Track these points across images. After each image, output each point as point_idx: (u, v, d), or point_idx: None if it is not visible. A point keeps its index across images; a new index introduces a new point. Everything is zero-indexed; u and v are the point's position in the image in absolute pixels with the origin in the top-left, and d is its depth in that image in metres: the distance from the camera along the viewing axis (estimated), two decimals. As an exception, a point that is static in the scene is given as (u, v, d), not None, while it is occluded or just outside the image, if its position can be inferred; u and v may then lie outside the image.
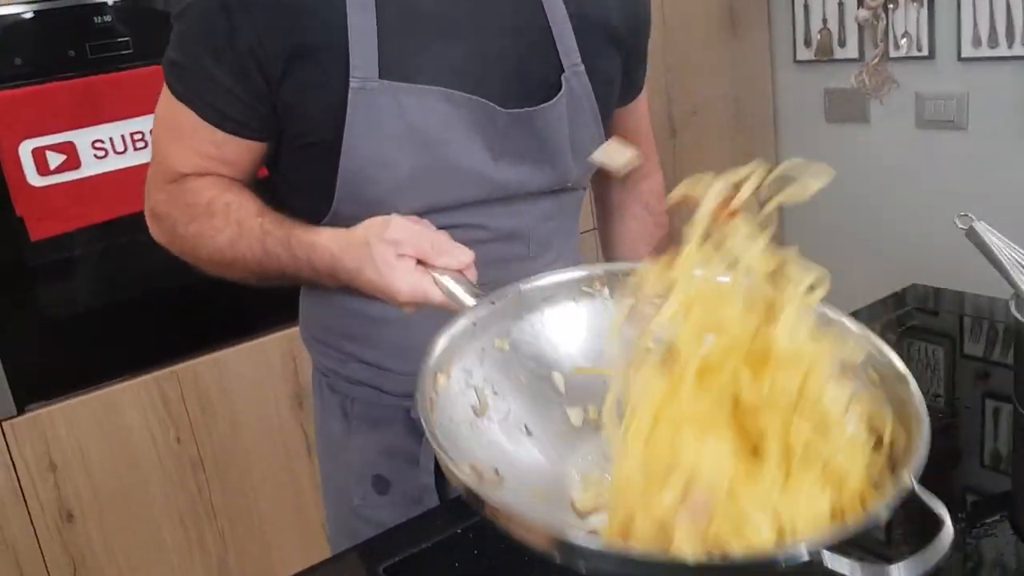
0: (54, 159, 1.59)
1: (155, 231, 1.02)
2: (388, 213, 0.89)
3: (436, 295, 0.80)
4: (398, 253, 0.81)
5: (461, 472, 0.60)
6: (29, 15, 1.60)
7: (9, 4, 1.58)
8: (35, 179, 1.59)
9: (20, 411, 1.67)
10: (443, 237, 0.83)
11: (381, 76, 0.90)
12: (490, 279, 0.95)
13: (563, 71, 0.99)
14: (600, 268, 0.82)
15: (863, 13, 2.41)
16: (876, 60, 2.44)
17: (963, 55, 2.27)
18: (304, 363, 1.88)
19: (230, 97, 0.91)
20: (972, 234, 1.09)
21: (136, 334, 1.78)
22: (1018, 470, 0.97)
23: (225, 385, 1.87)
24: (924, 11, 2.31)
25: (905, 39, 2.37)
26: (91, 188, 1.64)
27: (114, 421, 1.76)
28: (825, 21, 2.56)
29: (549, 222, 1.07)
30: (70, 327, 1.72)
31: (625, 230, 1.23)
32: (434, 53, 0.93)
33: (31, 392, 1.68)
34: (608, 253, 1.26)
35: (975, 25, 2.22)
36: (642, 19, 1.10)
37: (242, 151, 0.96)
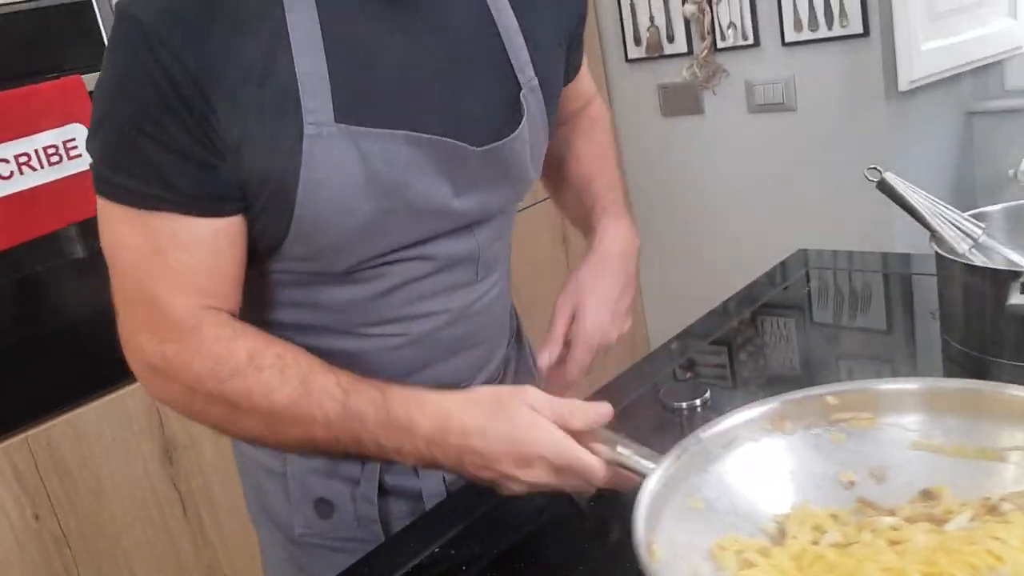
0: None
1: (160, 387, 0.87)
2: (342, 257, 0.89)
3: (583, 454, 0.78)
4: (536, 411, 0.79)
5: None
6: None
7: None
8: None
9: None
10: (576, 402, 0.81)
11: (337, 120, 0.82)
12: (428, 311, 0.96)
13: (520, 89, 0.94)
14: (776, 402, 0.79)
15: (689, 8, 2.49)
16: (705, 52, 2.52)
17: (787, 40, 2.38)
18: (171, 412, 1.71)
19: (197, 175, 0.80)
20: (883, 184, 1.12)
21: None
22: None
23: (84, 449, 1.67)
24: (747, 1, 2.41)
25: (731, 29, 2.47)
26: (34, 205, 1.46)
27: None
28: (652, 19, 2.63)
29: (498, 242, 1.02)
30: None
31: (576, 147, 1.19)
32: (393, 93, 0.86)
33: None
34: (562, 175, 1.21)
35: (795, 11, 2.33)
36: (583, 6, 1.07)
37: (229, 241, 0.83)
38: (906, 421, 0.79)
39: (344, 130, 0.82)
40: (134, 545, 1.74)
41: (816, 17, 2.30)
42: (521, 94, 0.94)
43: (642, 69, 2.71)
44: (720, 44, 2.51)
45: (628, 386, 1.16)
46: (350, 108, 0.83)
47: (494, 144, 0.91)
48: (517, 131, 0.93)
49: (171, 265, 0.82)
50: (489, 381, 1.08)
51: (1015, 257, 1.07)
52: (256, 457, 1.04)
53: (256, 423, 0.83)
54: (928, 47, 2.14)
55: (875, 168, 1.11)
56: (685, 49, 2.58)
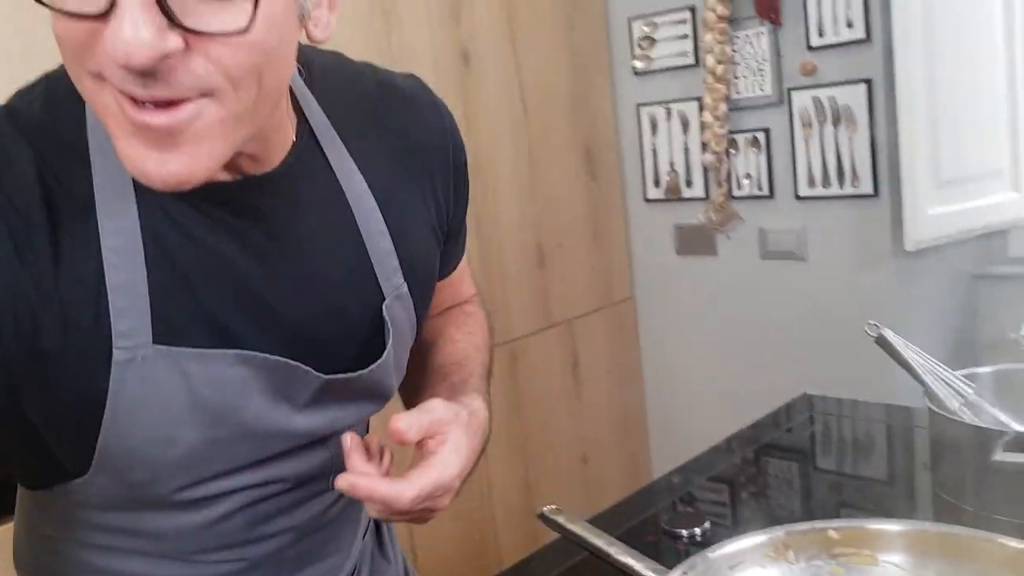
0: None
1: None
2: (165, 489, 0.78)
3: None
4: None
5: None
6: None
7: None
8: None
9: None
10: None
11: (155, 342, 0.71)
12: (272, 531, 0.86)
13: (384, 299, 0.86)
14: (781, 531, 0.86)
15: (708, 157, 2.65)
16: (721, 199, 2.67)
17: (800, 194, 2.52)
18: None
19: None
20: (881, 340, 1.21)
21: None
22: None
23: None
24: (763, 156, 2.57)
25: (747, 180, 2.62)
26: None
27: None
28: (672, 164, 2.79)
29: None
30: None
31: (449, 339, 1.03)
32: (225, 310, 0.75)
33: None
34: (425, 359, 1.01)
35: (809, 167, 2.49)
36: (461, 181, 0.96)
37: None
38: (900, 560, 0.86)
39: (164, 351, 0.72)
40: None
41: (828, 175, 2.45)
42: (384, 305, 0.85)
43: (660, 209, 2.86)
44: (736, 192, 2.65)
45: (629, 512, 1.22)
46: (171, 328, 0.72)
47: (343, 376, 0.82)
48: (380, 360, 0.85)
49: None
50: None
51: (1002, 417, 1.16)
52: None
53: None
54: (935, 212, 2.27)
55: (874, 324, 1.20)
56: (702, 194, 2.73)
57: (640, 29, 2.78)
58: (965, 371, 1.20)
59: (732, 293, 2.74)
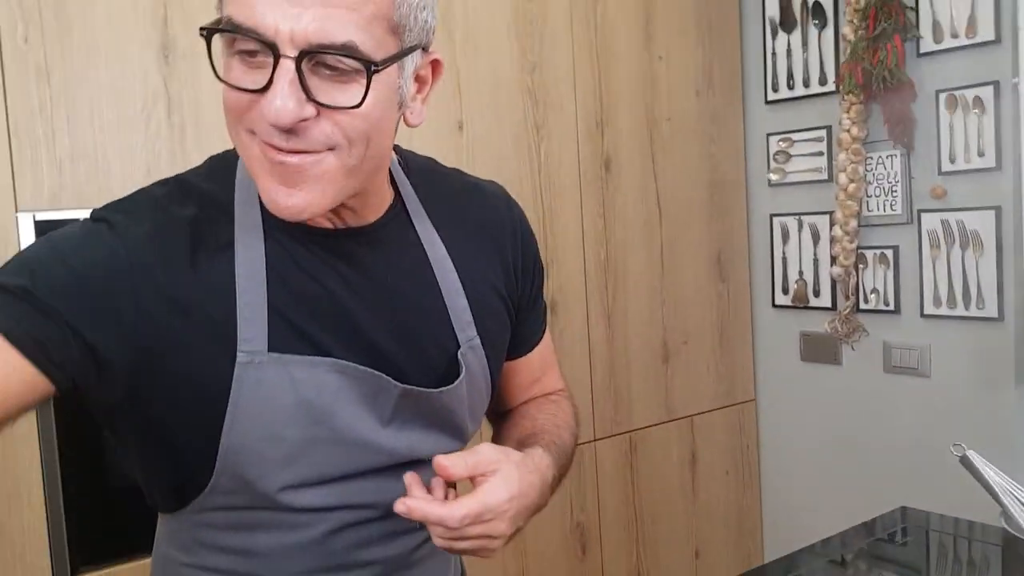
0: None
1: None
2: (267, 491, 0.91)
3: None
4: None
5: None
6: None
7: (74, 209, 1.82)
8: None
9: (75, 572, 1.75)
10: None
11: (271, 350, 0.88)
12: (365, 559, 0.98)
13: (459, 347, 1.00)
14: None
15: (836, 270, 2.75)
16: (847, 311, 2.76)
17: (925, 312, 2.59)
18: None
19: (56, 332, 0.82)
20: (965, 461, 1.31)
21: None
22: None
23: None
24: (890, 272, 2.66)
25: (874, 295, 2.70)
26: None
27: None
28: (801, 273, 2.90)
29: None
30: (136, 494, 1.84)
31: (525, 414, 1.16)
32: (324, 326, 0.92)
33: (87, 555, 1.77)
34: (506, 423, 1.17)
35: (935, 287, 2.55)
36: (534, 271, 1.12)
37: (24, 382, 0.81)
38: None
39: (276, 358, 0.88)
40: None
41: (954, 295, 2.51)
42: (459, 352, 0.99)
43: (787, 316, 2.97)
44: (862, 305, 2.74)
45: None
46: (280, 338, 0.89)
47: (422, 389, 0.96)
48: (453, 385, 0.98)
49: None
50: None
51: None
52: None
53: None
54: (1058, 340, 2.30)
55: (960, 444, 1.31)
56: (829, 304, 2.83)
57: (777, 144, 2.94)
58: (1047, 499, 1.28)
59: (854, 403, 2.80)
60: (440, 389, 0.98)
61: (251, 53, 0.81)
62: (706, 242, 2.93)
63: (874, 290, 2.70)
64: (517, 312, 1.11)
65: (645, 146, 2.75)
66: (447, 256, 1.02)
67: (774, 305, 3.01)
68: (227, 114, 0.85)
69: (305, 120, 0.80)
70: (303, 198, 0.83)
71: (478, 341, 1.02)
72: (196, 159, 1.65)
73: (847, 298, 2.76)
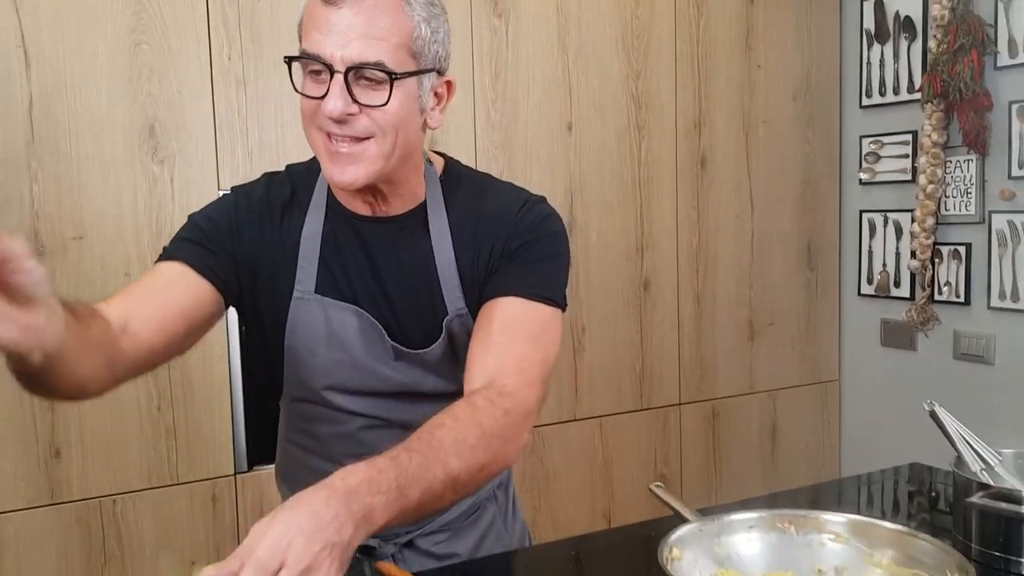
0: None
1: None
2: (315, 388, 1.29)
3: None
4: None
5: None
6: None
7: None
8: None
9: (250, 468, 2.29)
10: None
11: (316, 292, 1.27)
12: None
13: (447, 315, 1.29)
14: (790, 512, 1.33)
15: (914, 263, 3.01)
16: (923, 301, 3.01)
17: (992, 304, 2.82)
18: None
19: (211, 258, 1.23)
20: (933, 415, 1.63)
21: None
22: None
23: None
24: (962, 267, 2.90)
25: (947, 287, 2.95)
26: None
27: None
28: (884, 265, 3.17)
29: (431, 406, 1.22)
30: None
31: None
32: (350, 283, 1.28)
33: (260, 455, 2.31)
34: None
35: (1002, 282, 2.79)
36: (520, 239, 1.29)
37: (190, 288, 1.21)
38: (862, 544, 1.31)
39: (318, 300, 1.26)
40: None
41: (1018, 291, 2.74)
42: (445, 320, 1.29)
43: (870, 303, 3.24)
44: (937, 296, 2.99)
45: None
46: (324, 286, 1.27)
47: (408, 349, 1.28)
48: (430, 348, 1.29)
49: (133, 286, 1.20)
50: (455, 521, 1.40)
51: (1014, 482, 1.54)
52: None
53: None
54: (1108, 334, 2.51)
55: (930, 401, 1.63)
56: (907, 294, 3.09)
57: (868, 146, 3.21)
58: (999, 449, 1.59)
59: (926, 386, 3.05)
60: (418, 351, 1.30)
61: (317, 72, 1.16)
62: (796, 234, 3.23)
63: (947, 283, 2.95)
64: (491, 274, 1.30)
65: (740, 146, 3.08)
66: (451, 246, 1.29)
67: (859, 294, 3.28)
68: (302, 117, 1.21)
69: (351, 114, 1.15)
70: (352, 173, 1.18)
71: (467, 311, 1.30)
72: None
73: (923, 289, 3.01)
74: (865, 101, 3.22)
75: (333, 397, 1.31)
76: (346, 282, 1.29)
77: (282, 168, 1.38)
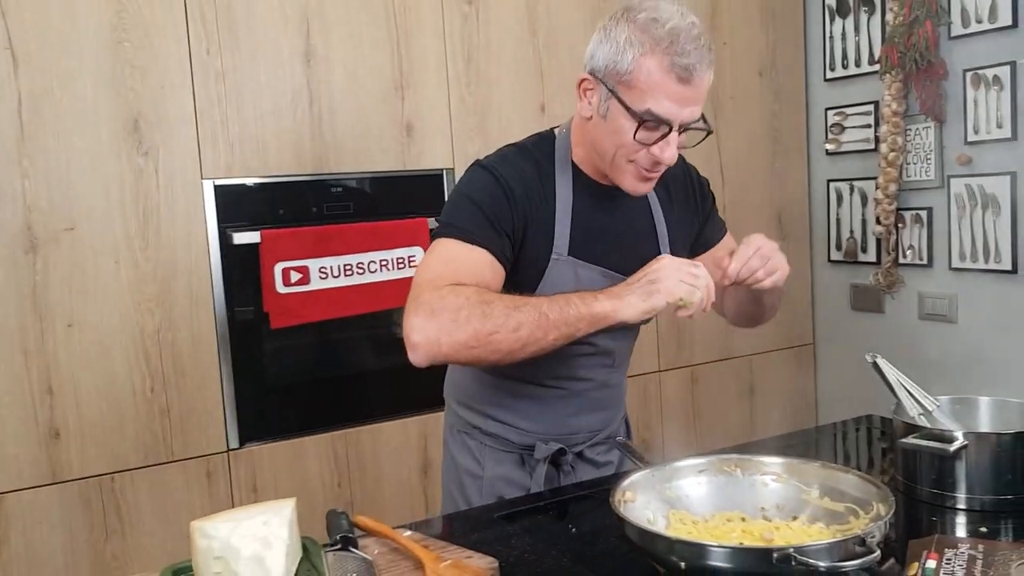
0: (294, 276, 2.40)
1: (425, 326, 1.33)
2: None
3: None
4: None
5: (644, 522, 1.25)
6: (292, 180, 2.45)
7: (279, 176, 2.44)
8: (281, 288, 2.39)
9: (241, 445, 2.41)
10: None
11: (569, 254, 1.52)
12: (584, 376, 1.62)
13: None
14: (735, 456, 1.42)
15: (879, 228, 3.12)
16: (888, 265, 3.12)
17: (953, 265, 2.93)
18: (433, 440, 2.57)
19: (503, 243, 1.46)
20: (876, 366, 1.74)
21: (325, 402, 2.53)
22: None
23: (377, 449, 2.58)
24: (924, 231, 3.01)
25: (910, 250, 3.06)
26: (315, 298, 2.43)
27: (301, 464, 2.48)
28: (852, 232, 3.28)
29: (627, 346, 1.72)
30: (285, 392, 2.48)
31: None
32: (597, 244, 1.54)
33: (250, 433, 2.42)
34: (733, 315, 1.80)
35: (961, 243, 2.89)
36: (704, 204, 1.73)
37: (499, 278, 1.46)
38: (800, 483, 1.42)
39: (571, 260, 1.52)
40: (389, 525, 2.60)
41: (976, 251, 2.85)
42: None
43: (839, 269, 3.35)
44: (901, 260, 3.10)
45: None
46: (575, 248, 1.52)
47: None
48: None
49: (462, 267, 1.41)
50: (609, 436, 1.73)
51: (946, 424, 1.65)
52: (463, 463, 1.71)
53: (502, 313, 1.32)
54: (1060, 290, 2.62)
55: (873, 353, 1.74)
56: (874, 259, 3.20)
57: (833, 118, 3.31)
58: (937, 396, 1.69)
59: (894, 346, 3.16)
60: None
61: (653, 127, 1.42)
62: (767, 205, 3.34)
63: (911, 246, 3.06)
64: (700, 226, 1.71)
65: (710, 121, 3.16)
66: (659, 203, 1.63)
67: (829, 260, 3.39)
68: (619, 147, 1.44)
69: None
70: (649, 187, 1.51)
71: (670, 254, 1.58)
72: (331, 138, 2.37)
73: (888, 253, 3.12)
74: (829, 74, 3.32)
75: None
76: (593, 244, 1.54)
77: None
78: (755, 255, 1.50)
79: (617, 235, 1.57)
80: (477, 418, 1.70)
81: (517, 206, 1.48)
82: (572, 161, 1.56)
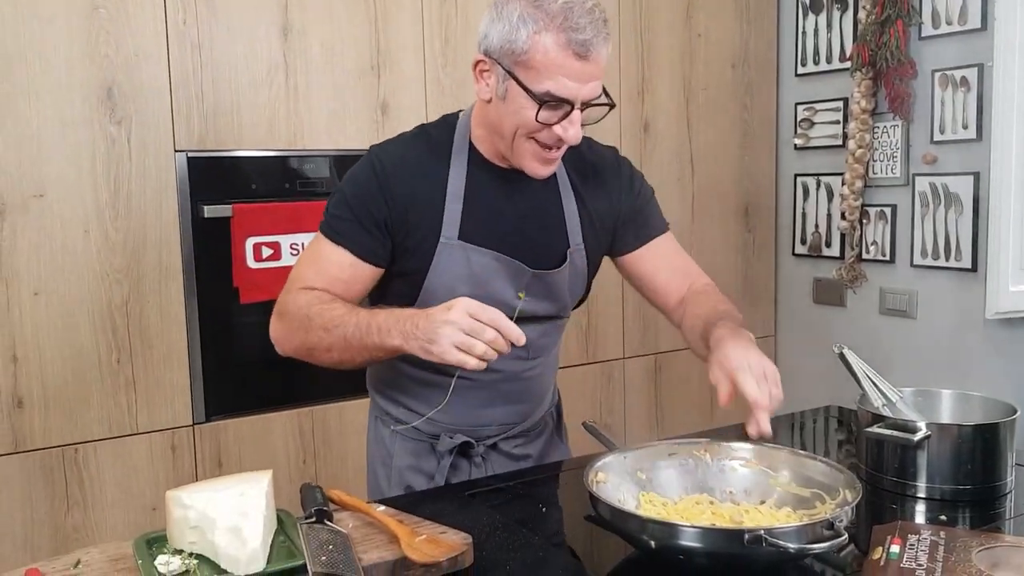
0: (265, 252, 2.39)
1: (278, 328, 1.49)
2: None
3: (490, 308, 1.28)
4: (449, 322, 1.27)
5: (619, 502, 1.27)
6: (265, 156, 2.44)
7: (252, 150, 2.42)
8: (251, 263, 2.38)
9: (207, 419, 2.40)
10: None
11: (459, 239, 1.47)
12: (493, 367, 1.41)
13: (569, 247, 1.55)
14: (705, 441, 1.47)
15: (843, 224, 3.17)
16: (852, 260, 3.18)
17: (915, 262, 2.99)
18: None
19: (369, 239, 1.45)
20: (842, 357, 1.78)
21: (292, 379, 2.52)
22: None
23: (343, 427, 2.58)
24: (888, 227, 3.07)
25: (873, 246, 3.12)
26: (285, 274, 2.41)
27: (266, 440, 2.47)
28: (817, 226, 3.33)
29: (544, 338, 1.61)
30: (252, 367, 2.47)
31: (692, 315, 1.62)
32: (491, 229, 1.48)
33: (216, 407, 2.41)
34: (689, 336, 1.65)
35: (923, 241, 2.96)
36: (632, 198, 1.64)
37: (365, 275, 1.48)
38: (768, 468, 1.45)
39: (461, 245, 1.46)
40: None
41: (938, 249, 2.91)
42: (568, 251, 1.54)
43: (803, 263, 3.41)
44: (864, 255, 3.15)
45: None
46: (467, 232, 1.46)
47: (542, 271, 1.50)
48: (559, 269, 1.53)
49: (322, 266, 1.47)
50: (528, 431, 1.67)
51: (911, 415, 1.69)
52: (375, 451, 1.69)
53: (317, 333, 1.38)
54: (1017, 289, 2.69)
55: (839, 344, 1.78)
56: (838, 254, 3.26)
57: (802, 113, 3.35)
58: (901, 388, 1.74)
59: (855, 339, 3.22)
60: (550, 271, 1.53)
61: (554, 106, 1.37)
62: (734, 197, 3.38)
63: (874, 242, 3.12)
64: (620, 225, 1.63)
65: (682, 112, 3.21)
66: (572, 191, 1.57)
67: (794, 254, 3.44)
68: (520, 127, 1.40)
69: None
70: (551, 169, 1.47)
71: (583, 247, 1.57)
72: (305, 114, 2.35)
73: (852, 249, 3.18)
74: (800, 69, 3.36)
75: None
76: (487, 229, 1.49)
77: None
78: (762, 385, 1.37)
79: (518, 220, 1.52)
80: (389, 404, 1.66)
81: (392, 193, 1.46)
82: (471, 143, 1.52)
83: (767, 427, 1.32)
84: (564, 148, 1.43)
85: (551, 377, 1.74)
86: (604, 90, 1.42)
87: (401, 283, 1.52)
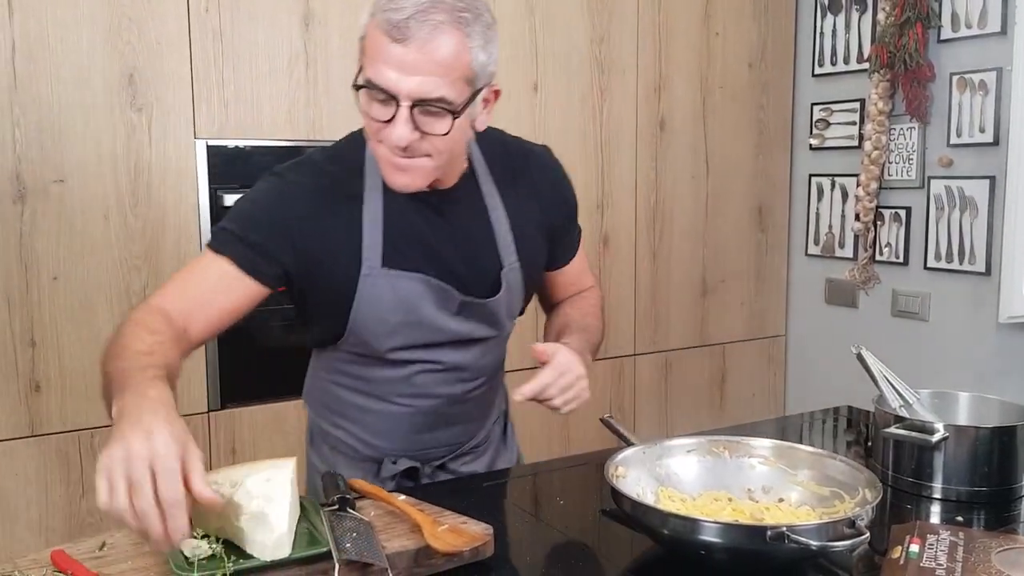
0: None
1: (132, 315, 1.28)
2: (382, 348, 1.38)
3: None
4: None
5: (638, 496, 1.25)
6: (285, 145, 2.44)
7: (272, 140, 2.43)
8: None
9: (222, 406, 2.41)
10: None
11: (383, 266, 1.34)
12: (435, 393, 1.45)
13: (503, 268, 1.43)
14: (724, 438, 1.45)
15: (857, 225, 3.17)
16: (865, 261, 3.18)
17: (928, 265, 3.00)
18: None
19: (262, 261, 1.31)
20: (860, 357, 1.79)
21: (306, 368, 2.52)
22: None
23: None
24: (902, 229, 3.07)
25: (887, 248, 3.12)
26: None
27: (280, 428, 2.48)
28: (831, 227, 3.33)
29: (485, 357, 1.50)
30: (267, 355, 2.48)
31: (562, 312, 1.60)
32: (416, 252, 1.36)
33: (231, 395, 2.42)
34: (546, 324, 1.60)
35: (937, 244, 2.96)
36: (567, 210, 1.57)
37: (249, 292, 1.32)
38: (787, 467, 1.46)
39: (385, 272, 1.34)
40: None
41: (952, 252, 2.91)
42: (502, 272, 1.42)
43: (816, 263, 3.41)
44: (878, 257, 3.16)
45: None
46: (390, 258, 1.34)
47: (475, 300, 1.40)
48: (494, 298, 1.43)
49: (185, 286, 1.31)
50: (476, 447, 1.59)
51: (926, 416, 1.70)
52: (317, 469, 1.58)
53: (115, 345, 1.21)
54: (1029, 293, 2.69)
55: (858, 345, 1.78)
56: (851, 255, 3.26)
57: (818, 113, 3.35)
58: (919, 390, 1.74)
59: (866, 340, 3.20)
60: (485, 300, 1.43)
61: (382, 99, 1.23)
62: (748, 196, 3.38)
63: (888, 244, 3.12)
64: (553, 239, 1.54)
65: (698, 110, 3.21)
66: (501, 206, 1.45)
67: (806, 254, 3.45)
68: (366, 130, 1.31)
69: (413, 141, 1.24)
70: (409, 181, 1.30)
71: (517, 265, 1.46)
72: (325, 104, 2.34)
73: (865, 250, 3.18)
74: (817, 70, 3.36)
75: (395, 353, 1.41)
76: (411, 253, 1.37)
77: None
78: (555, 383, 1.32)
79: (443, 242, 1.40)
80: (328, 426, 1.57)
81: (299, 225, 1.33)
82: None
83: (527, 388, 1.31)
84: (424, 156, 1.27)
85: (498, 390, 1.65)
86: (444, 97, 1.22)
87: (326, 317, 1.41)
